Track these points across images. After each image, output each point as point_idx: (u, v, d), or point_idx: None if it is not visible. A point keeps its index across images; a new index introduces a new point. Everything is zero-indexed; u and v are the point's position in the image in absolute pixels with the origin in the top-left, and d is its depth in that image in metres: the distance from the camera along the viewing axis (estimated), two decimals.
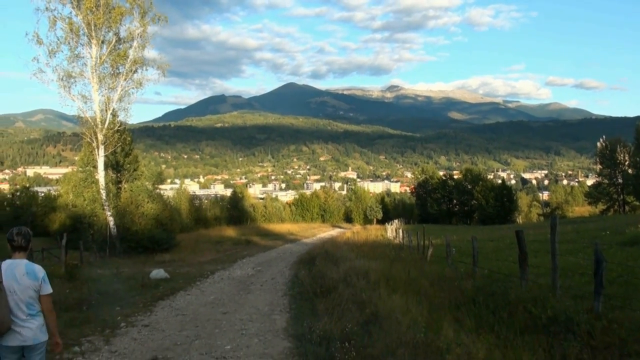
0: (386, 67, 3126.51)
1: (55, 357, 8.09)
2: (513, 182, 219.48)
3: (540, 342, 6.77)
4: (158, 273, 18.44)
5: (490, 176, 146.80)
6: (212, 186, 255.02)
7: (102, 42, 29.40)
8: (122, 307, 12.32)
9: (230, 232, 51.42)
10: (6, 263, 4.87)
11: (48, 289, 4.99)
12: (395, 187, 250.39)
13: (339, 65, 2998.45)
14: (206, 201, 77.98)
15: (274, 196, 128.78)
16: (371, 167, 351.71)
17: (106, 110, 30.01)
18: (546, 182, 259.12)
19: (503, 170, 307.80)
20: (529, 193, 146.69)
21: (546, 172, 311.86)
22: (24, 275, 4.87)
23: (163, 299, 13.51)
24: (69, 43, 28.85)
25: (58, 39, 28.66)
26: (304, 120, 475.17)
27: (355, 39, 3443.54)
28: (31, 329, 4.87)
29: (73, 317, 10.96)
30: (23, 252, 4.99)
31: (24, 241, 4.97)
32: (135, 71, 30.59)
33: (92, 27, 28.53)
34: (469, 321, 8.11)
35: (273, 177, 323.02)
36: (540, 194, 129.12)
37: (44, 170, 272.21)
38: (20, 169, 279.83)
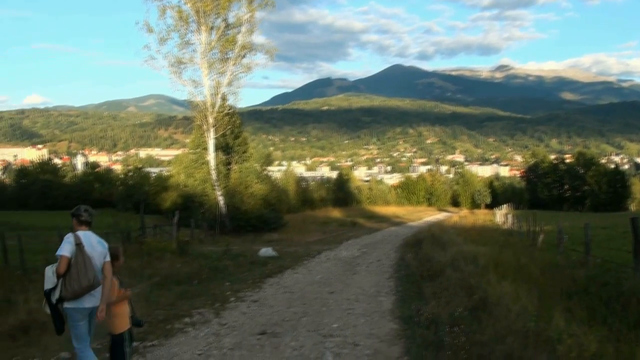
0: (495, 46, 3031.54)
1: (166, 326, 8.42)
2: (626, 166, 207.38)
3: None
4: (266, 251, 18.85)
5: (603, 160, 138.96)
6: (318, 168, 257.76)
7: (211, 28, 29.79)
8: (232, 283, 12.68)
9: (335, 213, 51.72)
10: (81, 234, 5.44)
11: (109, 257, 5.61)
12: (504, 171, 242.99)
13: (446, 45, 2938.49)
14: (312, 183, 78.99)
15: (379, 179, 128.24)
16: (479, 150, 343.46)
17: (216, 95, 30.55)
18: None
19: (616, 154, 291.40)
20: None
21: None
22: (97, 244, 5.51)
23: (271, 277, 13.81)
24: (178, 30, 29.42)
25: (168, 27, 29.24)
26: (410, 102, 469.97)
27: (463, 18, 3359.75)
28: (100, 291, 5.41)
29: (184, 290, 11.43)
30: (88, 226, 5.59)
31: (90, 217, 5.58)
32: (244, 56, 30.88)
33: (201, 14, 28.98)
34: (581, 312, 7.74)
35: (378, 160, 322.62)
36: None
37: (156, 152, 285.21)
38: (132, 151, 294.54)
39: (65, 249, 5.26)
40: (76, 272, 5.19)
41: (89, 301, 5.36)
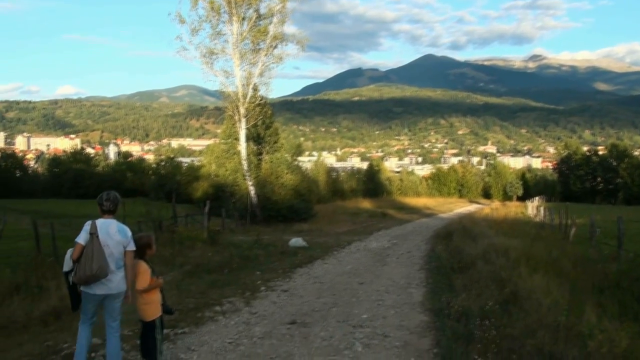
0: (529, 35, 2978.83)
1: (196, 314, 8.50)
2: None
3: None
4: (297, 241, 18.91)
5: (637, 152, 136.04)
6: (348, 159, 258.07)
7: (243, 19, 29.83)
8: (262, 272, 12.75)
9: (366, 204, 51.63)
10: (99, 221, 5.54)
11: (133, 246, 5.65)
12: (537, 163, 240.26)
13: (479, 35, 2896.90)
14: (343, 173, 78.80)
15: (410, 170, 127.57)
16: (512, 142, 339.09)
17: (247, 85, 30.65)
18: None
19: None
20: None
21: None
22: (116, 233, 5.55)
23: (301, 267, 13.86)
24: (210, 21, 29.62)
25: (200, 18, 29.50)
26: (442, 93, 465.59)
27: (496, 7, 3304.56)
28: (116, 280, 5.53)
29: (215, 279, 11.53)
30: (111, 214, 5.65)
31: (112, 205, 5.64)
32: (275, 46, 30.89)
33: (233, 5, 29.02)
34: (612, 307, 7.66)
35: (409, 151, 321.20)
36: None
37: (188, 142, 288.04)
38: (164, 141, 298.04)
39: (81, 236, 5.42)
40: (84, 261, 5.32)
41: (100, 289, 5.47)
